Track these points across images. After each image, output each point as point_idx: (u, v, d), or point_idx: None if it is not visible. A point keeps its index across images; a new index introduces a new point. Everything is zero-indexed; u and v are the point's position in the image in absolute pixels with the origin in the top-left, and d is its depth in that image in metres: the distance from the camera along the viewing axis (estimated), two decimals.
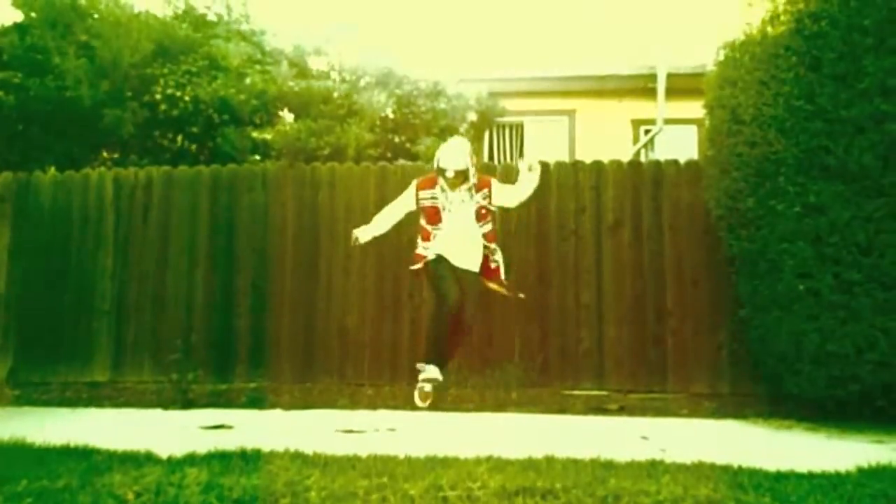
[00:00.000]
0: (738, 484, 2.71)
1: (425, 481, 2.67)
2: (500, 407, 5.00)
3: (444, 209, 4.55)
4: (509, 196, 4.63)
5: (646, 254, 5.13)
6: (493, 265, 4.65)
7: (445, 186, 4.52)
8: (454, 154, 4.52)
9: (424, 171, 5.40)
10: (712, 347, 4.91)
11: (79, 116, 6.91)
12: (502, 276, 4.67)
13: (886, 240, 3.92)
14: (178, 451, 3.23)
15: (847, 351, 4.00)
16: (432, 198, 4.56)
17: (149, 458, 3.12)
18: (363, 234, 4.67)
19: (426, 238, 4.59)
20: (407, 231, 4.86)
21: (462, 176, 4.49)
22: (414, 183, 4.65)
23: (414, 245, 4.70)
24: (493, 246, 4.65)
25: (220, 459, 3.07)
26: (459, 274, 4.50)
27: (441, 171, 4.50)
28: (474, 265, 4.57)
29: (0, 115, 6.57)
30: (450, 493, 2.57)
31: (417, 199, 4.60)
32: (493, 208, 4.64)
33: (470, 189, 4.54)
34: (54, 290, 5.60)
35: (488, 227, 4.62)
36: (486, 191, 4.59)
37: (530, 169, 4.55)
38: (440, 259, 4.52)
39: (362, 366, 5.25)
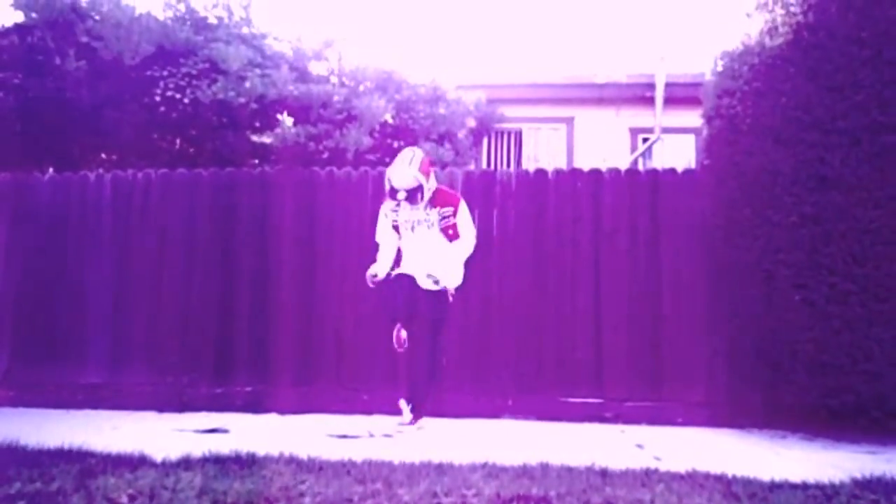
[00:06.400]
0: (732, 493, 2.71)
1: (420, 488, 2.67)
2: (495, 413, 5.01)
3: (404, 227, 4.36)
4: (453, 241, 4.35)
5: (642, 262, 5.14)
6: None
7: (404, 203, 4.26)
8: (402, 172, 4.18)
9: None
10: (708, 356, 4.91)
11: (78, 118, 6.91)
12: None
13: (882, 251, 3.95)
14: (173, 455, 3.22)
15: (842, 361, 4.02)
16: (395, 214, 4.34)
17: (143, 462, 3.12)
18: (380, 270, 4.37)
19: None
20: None
21: (416, 193, 4.20)
22: (383, 206, 4.45)
23: None
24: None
25: (215, 463, 3.07)
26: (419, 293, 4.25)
27: (393, 193, 4.22)
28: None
29: None
30: (444, 500, 2.57)
31: (388, 214, 4.41)
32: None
33: (428, 206, 4.28)
34: (51, 291, 5.58)
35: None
36: (450, 209, 4.32)
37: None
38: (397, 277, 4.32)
39: (359, 370, 5.24)
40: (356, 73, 7.49)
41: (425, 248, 4.33)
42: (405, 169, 4.20)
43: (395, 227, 4.43)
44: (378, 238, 4.53)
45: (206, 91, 6.70)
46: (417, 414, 4.31)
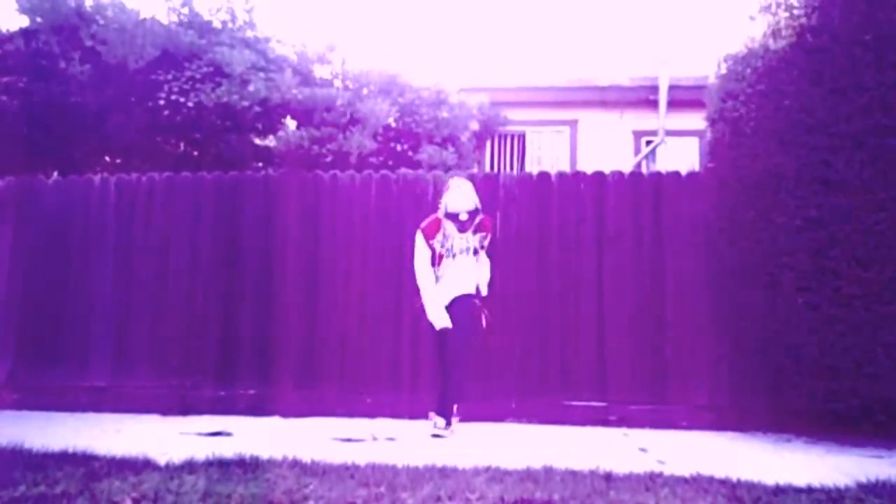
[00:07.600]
0: (736, 497, 2.71)
1: (423, 491, 2.67)
2: (498, 417, 5.00)
3: (447, 255, 4.56)
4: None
5: (646, 265, 5.13)
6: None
7: (452, 230, 4.53)
8: (463, 196, 4.57)
9: (426, 180, 5.43)
10: (712, 359, 4.90)
11: (82, 121, 6.94)
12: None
13: (886, 254, 3.93)
14: (177, 458, 3.23)
15: (846, 364, 4.00)
16: (440, 244, 4.56)
17: (147, 465, 3.12)
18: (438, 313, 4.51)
19: None
20: (409, 237, 4.85)
21: (474, 216, 4.57)
22: (419, 234, 4.58)
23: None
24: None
25: (219, 467, 3.07)
26: (455, 305, 4.49)
27: (451, 217, 4.54)
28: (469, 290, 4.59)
29: (4, 119, 6.59)
30: None
31: (430, 247, 4.57)
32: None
33: (471, 231, 4.57)
34: (55, 294, 5.60)
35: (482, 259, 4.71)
36: (485, 234, 4.65)
37: None
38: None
39: (362, 373, 5.24)
40: (360, 76, 7.51)
41: (464, 272, 4.56)
42: (466, 194, 4.58)
43: (435, 257, 4.56)
44: (422, 270, 4.56)
45: (209, 94, 6.73)
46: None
